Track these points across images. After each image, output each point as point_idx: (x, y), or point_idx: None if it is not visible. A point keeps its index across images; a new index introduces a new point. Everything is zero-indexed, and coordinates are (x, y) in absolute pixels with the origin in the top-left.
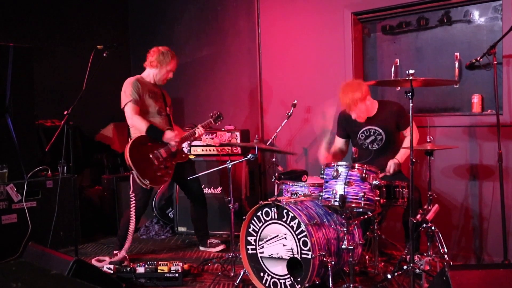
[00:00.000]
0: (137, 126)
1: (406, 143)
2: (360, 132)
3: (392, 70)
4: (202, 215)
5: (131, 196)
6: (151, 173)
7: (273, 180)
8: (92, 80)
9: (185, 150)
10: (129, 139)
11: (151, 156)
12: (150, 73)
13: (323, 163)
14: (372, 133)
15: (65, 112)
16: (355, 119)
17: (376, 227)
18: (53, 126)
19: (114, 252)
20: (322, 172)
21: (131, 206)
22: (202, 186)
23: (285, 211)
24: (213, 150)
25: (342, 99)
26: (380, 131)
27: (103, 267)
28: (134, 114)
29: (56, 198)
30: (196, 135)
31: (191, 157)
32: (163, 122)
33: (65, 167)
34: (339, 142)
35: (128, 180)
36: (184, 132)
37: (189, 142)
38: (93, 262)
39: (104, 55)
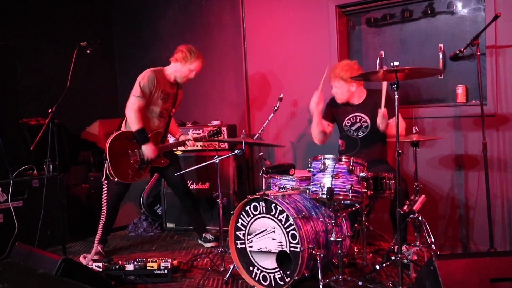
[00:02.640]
0: (130, 121)
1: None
2: (346, 119)
3: (377, 62)
4: (190, 208)
5: (103, 184)
6: (123, 168)
7: (261, 174)
8: (77, 77)
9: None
10: (120, 129)
11: (130, 152)
12: (172, 69)
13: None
14: (358, 120)
15: (50, 110)
16: (340, 103)
17: (363, 218)
18: (37, 124)
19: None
20: (309, 165)
21: (103, 193)
22: (190, 182)
23: (273, 205)
24: (200, 146)
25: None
26: (366, 118)
27: (91, 265)
28: (135, 110)
29: (42, 197)
30: (185, 146)
31: (178, 153)
32: (160, 125)
33: (50, 165)
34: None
35: (104, 170)
36: (178, 131)
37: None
38: (80, 259)
39: (88, 51)
